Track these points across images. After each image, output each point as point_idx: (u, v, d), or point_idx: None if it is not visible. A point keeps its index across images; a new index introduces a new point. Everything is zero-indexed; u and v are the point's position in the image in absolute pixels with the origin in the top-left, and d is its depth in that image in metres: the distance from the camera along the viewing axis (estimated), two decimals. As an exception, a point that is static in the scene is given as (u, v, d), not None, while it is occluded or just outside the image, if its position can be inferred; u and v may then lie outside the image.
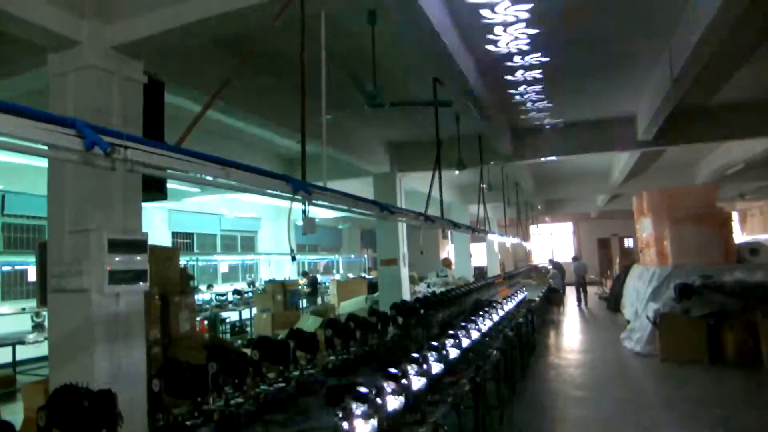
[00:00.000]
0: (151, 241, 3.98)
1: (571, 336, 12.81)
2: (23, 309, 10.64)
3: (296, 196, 2.72)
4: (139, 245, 3.80)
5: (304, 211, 2.83)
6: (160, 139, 4.31)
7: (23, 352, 9.16)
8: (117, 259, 3.59)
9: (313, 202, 2.91)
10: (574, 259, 20.49)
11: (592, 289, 21.59)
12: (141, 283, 3.79)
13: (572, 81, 8.28)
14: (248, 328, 13.63)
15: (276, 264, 21.98)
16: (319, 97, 3.73)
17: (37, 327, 9.57)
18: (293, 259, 2.94)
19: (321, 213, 18.83)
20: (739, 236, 22.80)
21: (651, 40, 6.76)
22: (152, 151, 1.95)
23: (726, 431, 5.67)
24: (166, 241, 16.36)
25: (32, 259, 9.47)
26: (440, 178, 7.13)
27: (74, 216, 3.76)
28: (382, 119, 9.41)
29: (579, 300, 18.57)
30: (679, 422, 6.22)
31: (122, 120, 3.89)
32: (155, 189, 4.79)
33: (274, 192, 2.69)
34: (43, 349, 6.87)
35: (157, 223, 16.25)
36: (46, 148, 1.72)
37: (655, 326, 9.22)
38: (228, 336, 12.90)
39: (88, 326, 3.59)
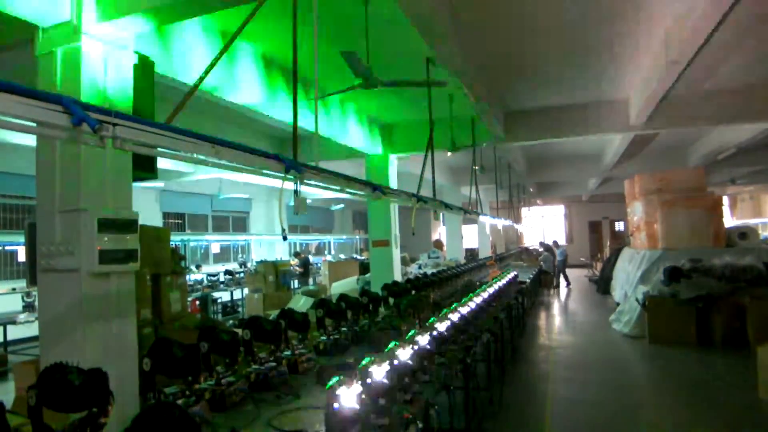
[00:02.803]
0: (142, 222, 3.95)
1: (560, 318, 12.93)
2: (13, 289, 10.60)
3: (288, 176, 2.71)
4: (130, 225, 3.78)
5: (295, 191, 2.81)
6: (151, 118, 4.26)
7: (14, 332, 9.14)
8: (107, 238, 3.56)
9: (305, 181, 2.90)
10: (555, 244, 20.04)
11: (582, 272, 22.10)
12: (131, 263, 3.77)
13: (566, 63, 8.26)
14: (240, 309, 13.66)
15: (268, 244, 21.97)
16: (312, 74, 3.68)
17: (28, 307, 9.53)
18: (284, 238, 2.93)
19: (313, 194, 18.80)
20: (729, 221, 23.01)
21: (646, 22, 6.74)
22: (141, 129, 1.92)
23: (711, 411, 5.78)
24: (157, 222, 16.30)
25: (22, 239, 9.40)
26: (432, 159, 7.12)
27: (64, 195, 3.72)
28: (375, 100, 9.36)
29: (567, 282, 18.75)
30: (666, 403, 6.33)
31: (111, 100, 3.84)
32: (146, 168, 4.76)
33: (266, 171, 2.67)
34: (34, 329, 6.84)
35: (148, 203, 16.16)
36: (33, 125, 1.69)
37: (643, 308, 9.32)
38: (220, 316, 12.93)
39: (79, 306, 3.58)
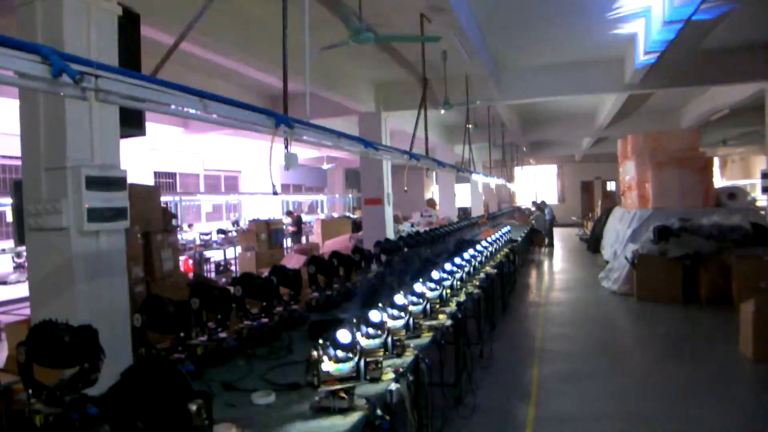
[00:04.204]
0: (132, 181, 3.90)
1: (550, 275, 13.10)
2: (3, 250, 10.55)
3: (278, 131, 2.66)
4: (119, 182, 3.72)
5: (285, 146, 2.77)
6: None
7: (6, 293, 9.15)
8: (96, 196, 3.52)
9: (296, 137, 2.85)
10: (543, 204, 19.63)
11: (573, 231, 22.51)
12: (121, 221, 3.73)
13: (561, 21, 8.11)
14: (233, 267, 13.72)
15: (260, 203, 21.94)
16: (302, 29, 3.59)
17: (19, 267, 9.52)
18: (275, 193, 2.90)
19: (305, 153, 18.66)
20: (719, 181, 23.14)
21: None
22: (125, 81, 1.86)
23: (693, 364, 5.94)
24: (148, 181, 16.16)
25: (9, 200, 9.31)
26: (425, 117, 7.04)
27: (49, 153, 3.64)
28: (369, 57, 9.19)
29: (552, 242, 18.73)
30: (650, 356, 6.49)
31: (95, 53, 3.72)
32: (133, 125, 4.66)
33: (256, 125, 2.62)
34: (26, 289, 6.86)
35: (139, 162, 15.99)
36: (11, 74, 1.63)
37: (632, 266, 9.44)
38: (213, 275, 12.99)
39: (69, 265, 3.56)
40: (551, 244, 18.43)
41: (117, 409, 1.62)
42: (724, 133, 19.13)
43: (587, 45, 9.48)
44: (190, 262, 11.98)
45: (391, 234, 11.26)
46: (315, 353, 2.31)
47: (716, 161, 25.41)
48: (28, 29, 3.65)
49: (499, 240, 8.34)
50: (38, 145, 3.67)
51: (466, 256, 5.51)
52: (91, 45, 3.71)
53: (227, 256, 14.18)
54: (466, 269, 5.17)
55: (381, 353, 2.75)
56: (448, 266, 4.67)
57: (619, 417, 4.61)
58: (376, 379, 2.45)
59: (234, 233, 14.96)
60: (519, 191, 30.18)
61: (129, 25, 4.36)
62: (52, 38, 3.56)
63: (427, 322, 3.52)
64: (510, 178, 22.35)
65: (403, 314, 3.22)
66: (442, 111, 9.58)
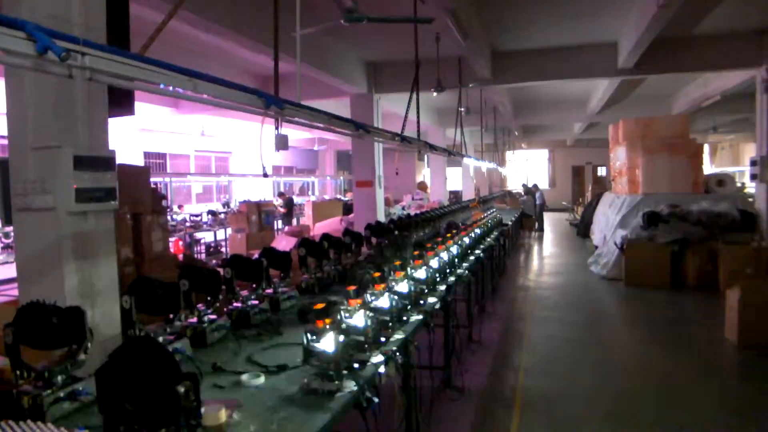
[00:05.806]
0: (122, 161, 3.85)
1: (540, 259, 13.18)
2: (-11, 230, 10.43)
3: (268, 111, 2.63)
4: (107, 162, 3.67)
5: (276, 127, 2.74)
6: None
7: (-5, 273, 9.06)
8: (84, 176, 3.47)
9: (287, 118, 2.83)
10: (534, 188, 19.65)
11: (563, 215, 22.63)
12: (110, 202, 3.70)
13: (556, 3, 8.05)
14: (223, 249, 13.69)
15: (251, 184, 21.84)
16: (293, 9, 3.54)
17: (6, 248, 9.43)
18: (265, 175, 2.88)
19: (297, 134, 18.54)
20: (709, 168, 23.29)
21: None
22: (113, 59, 1.83)
23: (679, 347, 6.02)
24: (138, 162, 16.02)
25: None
26: (417, 99, 7.01)
27: (37, 132, 3.58)
28: (360, 38, 9.10)
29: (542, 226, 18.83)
30: (637, 340, 6.58)
31: (84, 31, 3.65)
32: (122, 105, 4.60)
33: (245, 107, 2.59)
34: (13, 270, 6.81)
35: (129, 142, 15.83)
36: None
37: (621, 252, 9.52)
38: (203, 256, 12.95)
39: (57, 245, 3.52)
40: (541, 229, 18.51)
41: (105, 390, 1.61)
42: (715, 119, 19.21)
43: (581, 28, 9.43)
44: (180, 243, 11.93)
45: (382, 216, 11.27)
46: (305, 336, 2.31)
47: (706, 148, 25.57)
48: (12, 4, 3.57)
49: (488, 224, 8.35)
50: (25, 124, 3.60)
51: (455, 239, 5.50)
52: (78, 23, 3.64)
53: (217, 238, 14.14)
54: (456, 252, 5.17)
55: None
56: (436, 250, 4.66)
57: (604, 400, 4.68)
58: (364, 362, 2.46)
59: (224, 215, 14.89)
60: (510, 175, 30.24)
61: (117, 1, 4.28)
62: (37, 14, 3.48)
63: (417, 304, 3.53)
64: (501, 162, 22.37)
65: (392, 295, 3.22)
66: (435, 94, 9.53)
